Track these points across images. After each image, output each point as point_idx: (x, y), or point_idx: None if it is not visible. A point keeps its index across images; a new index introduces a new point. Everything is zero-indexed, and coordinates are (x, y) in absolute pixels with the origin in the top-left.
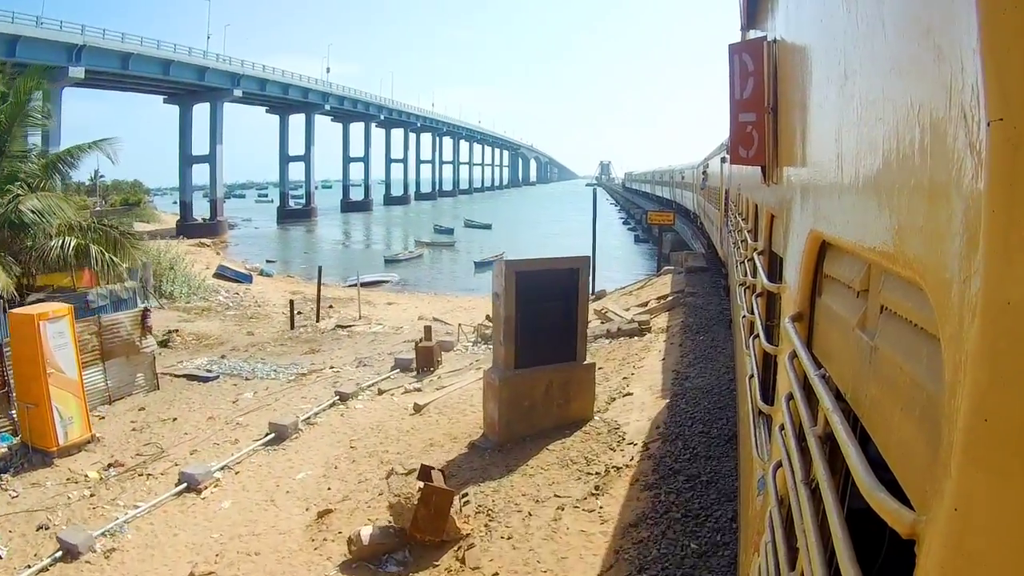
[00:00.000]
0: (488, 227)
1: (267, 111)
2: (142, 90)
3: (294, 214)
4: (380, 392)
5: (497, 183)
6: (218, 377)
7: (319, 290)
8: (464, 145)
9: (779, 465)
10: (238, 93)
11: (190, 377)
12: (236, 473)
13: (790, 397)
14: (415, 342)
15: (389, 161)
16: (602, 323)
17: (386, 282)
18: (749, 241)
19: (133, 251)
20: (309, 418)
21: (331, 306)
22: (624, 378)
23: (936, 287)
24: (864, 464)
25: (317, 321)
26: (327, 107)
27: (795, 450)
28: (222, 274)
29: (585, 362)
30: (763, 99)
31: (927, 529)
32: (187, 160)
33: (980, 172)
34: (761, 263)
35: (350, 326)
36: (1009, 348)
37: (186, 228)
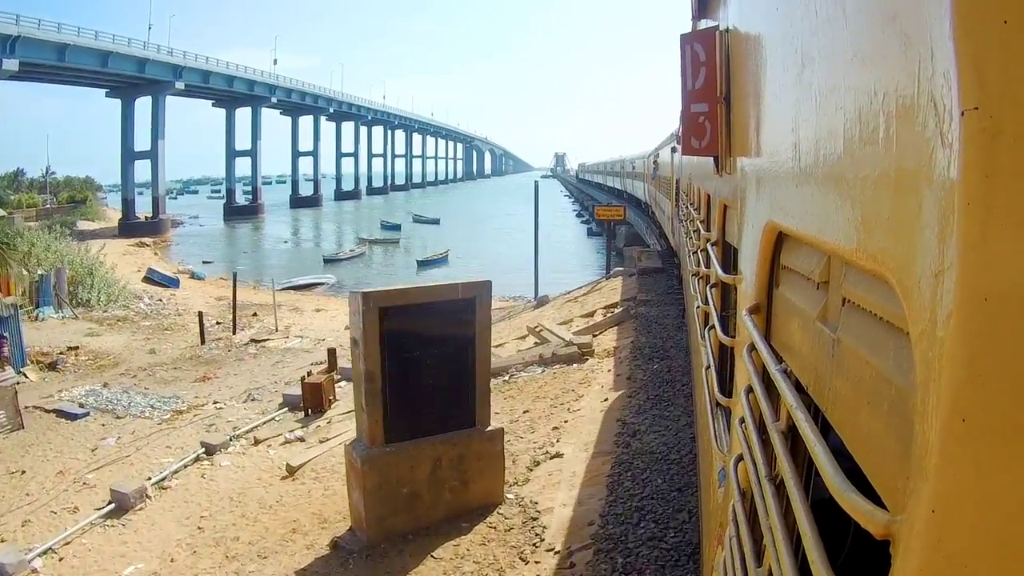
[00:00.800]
0: (436, 222)
1: (213, 105)
2: (82, 83)
3: (241, 211)
4: (256, 442)
5: (451, 176)
6: (88, 414)
7: (234, 300)
8: (417, 138)
9: (740, 459)
10: (180, 86)
11: (60, 413)
12: (59, 560)
13: (749, 390)
14: (303, 377)
15: (340, 155)
16: (536, 344)
17: (322, 284)
18: (702, 231)
19: (11, 262)
20: (164, 478)
21: (255, 314)
22: (554, 428)
23: (904, 282)
24: (833, 464)
25: (233, 333)
26: (274, 100)
27: (757, 444)
28: (151, 278)
29: (489, 428)
30: (715, 89)
31: (903, 530)
32: (129, 156)
33: (953, 163)
34: (715, 254)
35: (264, 340)
36: (987, 345)
37: (128, 227)
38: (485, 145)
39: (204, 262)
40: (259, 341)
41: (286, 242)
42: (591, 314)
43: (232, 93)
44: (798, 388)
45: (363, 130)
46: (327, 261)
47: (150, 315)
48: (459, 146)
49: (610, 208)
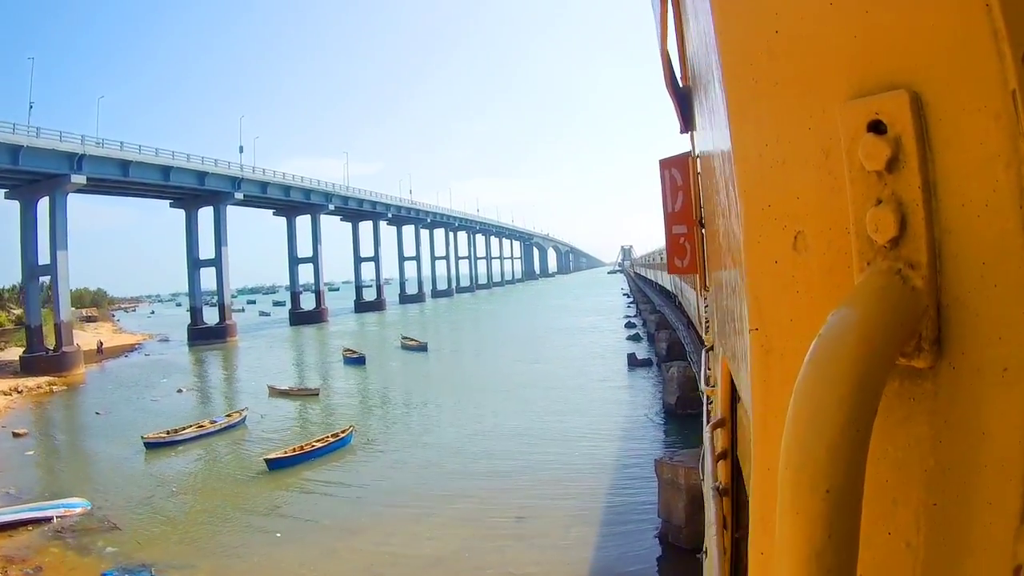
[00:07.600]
0: (424, 349)
1: (171, 205)
2: None
3: (208, 333)
4: None
5: (517, 276)
6: None
7: None
8: (471, 238)
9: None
10: (79, 180)
11: None
12: None
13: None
14: None
15: (358, 260)
16: None
17: (47, 521)
18: (703, 334)
19: None
20: None
21: None
22: None
23: None
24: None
25: None
26: (239, 196)
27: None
28: None
29: None
30: (691, 212)
31: None
32: (31, 272)
33: (750, 374)
34: (705, 360)
35: None
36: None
37: (29, 362)
38: (547, 242)
39: (14, 434)
40: None
41: (180, 391)
42: None
43: (187, 190)
44: None
45: (387, 230)
46: (149, 445)
47: None
48: (516, 244)
49: None
